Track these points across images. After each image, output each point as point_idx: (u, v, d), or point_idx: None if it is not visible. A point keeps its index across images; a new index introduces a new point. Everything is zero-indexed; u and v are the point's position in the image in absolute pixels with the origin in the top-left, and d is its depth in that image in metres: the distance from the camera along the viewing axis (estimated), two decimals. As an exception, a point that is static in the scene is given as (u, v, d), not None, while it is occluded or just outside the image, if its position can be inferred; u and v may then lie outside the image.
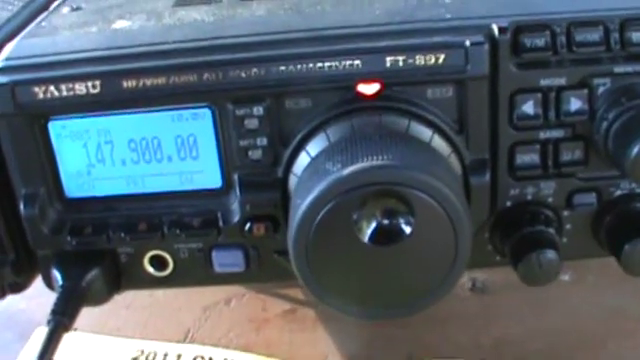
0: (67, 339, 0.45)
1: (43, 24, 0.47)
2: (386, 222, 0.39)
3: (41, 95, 0.42)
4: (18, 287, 0.48)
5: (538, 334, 0.51)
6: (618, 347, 0.49)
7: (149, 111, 0.43)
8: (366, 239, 0.39)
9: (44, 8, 0.50)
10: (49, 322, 0.43)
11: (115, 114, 0.43)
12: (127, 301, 0.56)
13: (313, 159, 0.41)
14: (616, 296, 0.53)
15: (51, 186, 0.44)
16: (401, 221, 0.39)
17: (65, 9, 0.49)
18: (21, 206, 0.44)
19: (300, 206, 0.39)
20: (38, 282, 0.48)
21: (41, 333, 0.43)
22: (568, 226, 0.45)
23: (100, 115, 0.43)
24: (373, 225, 0.38)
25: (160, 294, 0.57)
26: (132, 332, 0.54)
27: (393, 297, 0.41)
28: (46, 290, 0.47)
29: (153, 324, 0.55)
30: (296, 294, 0.56)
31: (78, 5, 0.49)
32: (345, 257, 0.40)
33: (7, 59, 0.43)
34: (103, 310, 0.52)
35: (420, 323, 0.52)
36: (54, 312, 0.43)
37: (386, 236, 0.39)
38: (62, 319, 0.43)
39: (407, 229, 0.39)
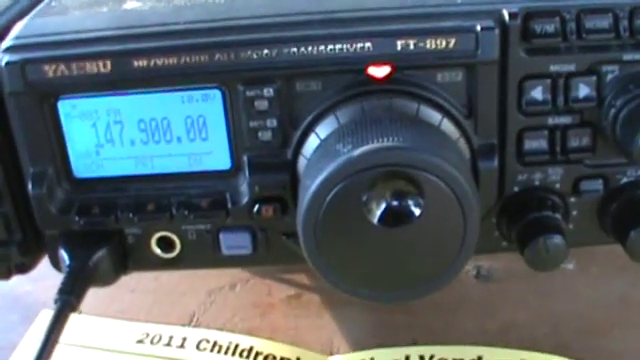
0: (72, 321, 0.45)
1: (53, 3, 0.47)
2: (395, 203, 0.39)
3: (51, 74, 0.42)
4: (24, 268, 0.48)
5: (544, 320, 0.51)
6: (624, 335, 0.50)
7: (159, 91, 0.43)
8: (375, 220, 0.39)
9: (54, -12, 0.50)
10: (56, 301, 0.43)
11: (125, 94, 0.43)
12: (132, 285, 0.56)
13: (323, 141, 0.42)
14: (620, 285, 0.54)
15: (59, 166, 0.44)
16: (410, 203, 0.39)
17: (75, -10, 0.49)
18: (29, 185, 0.44)
19: (310, 187, 0.39)
20: (44, 265, 0.48)
21: (46, 315, 0.43)
22: (575, 212, 0.45)
23: (110, 95, 0.43)
24: (382, 206, 0.39)
25: (165, 278, 0.57)
26: (137, 316, 0.54)
27: (402, 280, 0.41)
28: (52, 273, 0.47)
29: (158, 308, 0.55)
30: (301, 279, 0.56)
31: (88, -14, 0.49)
32: (354, 239, 0.40)
33: (17, 37, 0.43)
34: (108, 294, 0.52)
35: (425, 309, 0.52)
36: (61, 291, 0.43)
37: (395, 217, 0.39)
38: (69, 298, 0.43)
39: (416, 211, 0.39)
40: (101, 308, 0.54)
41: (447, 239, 0.40)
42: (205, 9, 0.44)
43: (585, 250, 0.51)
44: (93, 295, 0.47)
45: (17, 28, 0.44)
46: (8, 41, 0.43)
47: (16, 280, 0.49)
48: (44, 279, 0.50)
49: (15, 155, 0.44)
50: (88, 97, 0.43)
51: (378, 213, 0.39)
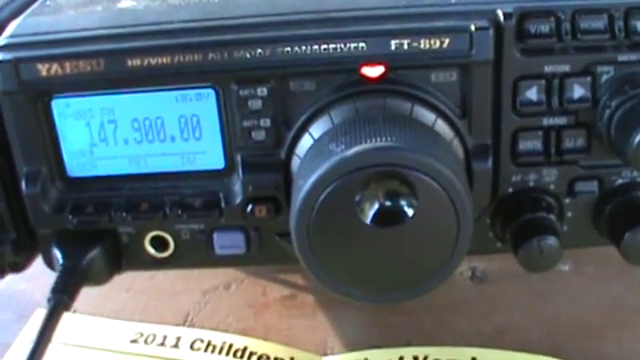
0: (66, 320, 0.45)
1: (48, 3, 0.47)
2: (388, 204, 0.39)
3: (45, 72, 0.42)
4: (18, 267, 0.48)
5: (538, 323, 0.51)
6: (619, 337, 0.49)
7: (153, 91, 0.43)
8: (368, 220, 0.39)
9: (49, -13, 0.50)
10: (49, 300, 0.43)
11: (119, 93, 0.43)
12: (127, 285, 0.56)
13: (316, 141, 0.42)
14: (616, 287, 0.53)
15: (53, 165, 0.44)
16: (403, 203, 0.39)
17: (70, -11, 0.49)
18: (23, 184, 0.44)
19: (303, 187, 0.39)
20: (38, 263, 0.48)
21: (41, 314, 0.43)
22: (569, 214, 0.45)
23: (104, 94, 0.43)
24: (375, 206, 0.38)
25: (160, 278, 0.57)
26: (131, 315, 0.54)
27: (394, 281, 0.41)
28: (47, 271, 0.47)
29: (153, 307, 0.55)
30: (296, 280, 0.56)
31: (83, -15, 0.49)
32: (347, 239, 0.40)
33: (11, 36, 0.43)
34: (103, 293, 0.52)
35: (420, 310, 0.52)
36: (54, 290, 0.43)
37: (388, 218, 0.39)
38: (62, 297, 0.43)
39: (409, 211, 0.39)
40: (96, 307, 0.54)
41: (440, 240, 0.40)
42: (199, 8, 0.44)
43: (581, 251, 0.51)
44: (88, 294, 0.46)
45: (11, 27, 0.44)
46: (2, 40, 0.43)
47: (11, 279, 0.49)
48: (39, 278, 0.49)
49: (9, 154, 0.44)
50: (82, 96, 0.43)
51: (371, 213, 0.39)
